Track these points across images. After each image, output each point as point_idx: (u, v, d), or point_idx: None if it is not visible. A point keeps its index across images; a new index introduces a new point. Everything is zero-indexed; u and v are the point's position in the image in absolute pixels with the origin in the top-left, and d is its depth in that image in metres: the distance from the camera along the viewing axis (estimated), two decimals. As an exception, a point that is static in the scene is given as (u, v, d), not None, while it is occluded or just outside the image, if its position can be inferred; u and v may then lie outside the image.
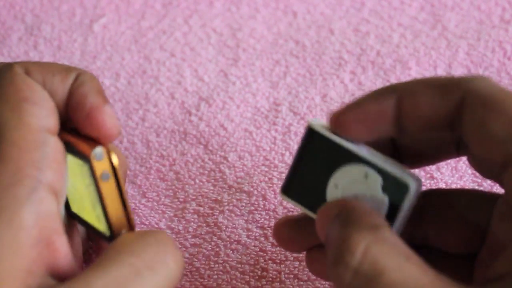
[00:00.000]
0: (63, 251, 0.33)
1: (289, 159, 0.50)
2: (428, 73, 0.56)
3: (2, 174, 0.32)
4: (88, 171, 0.37)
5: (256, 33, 0.61)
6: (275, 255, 0.44)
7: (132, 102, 0.55)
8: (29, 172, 0.33)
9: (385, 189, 0.34)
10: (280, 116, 0.54)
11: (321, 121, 0.36)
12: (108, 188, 0.37)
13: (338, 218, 0.32)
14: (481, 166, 0.35)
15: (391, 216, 0.34)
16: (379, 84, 0.56)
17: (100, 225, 0.38)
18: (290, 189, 0.37)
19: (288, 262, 0.44)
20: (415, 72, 0.56)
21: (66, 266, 0.33)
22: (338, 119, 0.35)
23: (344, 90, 0.55)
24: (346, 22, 0.61)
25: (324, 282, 0.42)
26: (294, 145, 0.51)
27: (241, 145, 0.52)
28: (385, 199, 0.34)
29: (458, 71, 0.56)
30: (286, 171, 0.44)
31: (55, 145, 0.35)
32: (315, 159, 0.36)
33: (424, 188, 0.37)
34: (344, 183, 0.35)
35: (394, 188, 0.34)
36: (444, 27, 0.60)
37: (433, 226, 0.37)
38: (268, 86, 0.56)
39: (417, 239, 0.37)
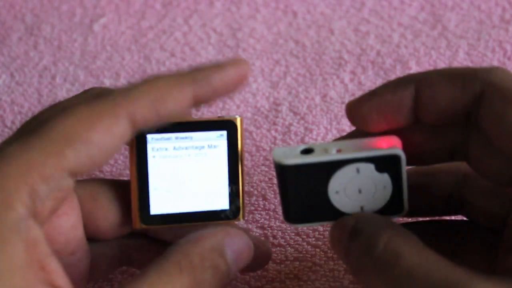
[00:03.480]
0: (59, 273, 0.33)
1: (289, 159, 0.50)
2: (428, 73, 0.56)
3: None
4: (226, 145, 0.38)
5: (256, 33, 0.61)
6: (275, 255, 0.44)
7: (132, 102, 0.55)
8: (21, 199, 0.32)
9: (379, 169, 0.35)
10: (280, 116, 0.54)
11: (282, 148, 0.36)
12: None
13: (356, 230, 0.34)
14: (489, 168, 0.35)
15: (396, 186, 0.35)
16: (379, 84, 0.55)
17: (218, 204, 0.39)
18: (292, 216, 0.37)
19: (288, 262, 0.44)
20: (415, 72, 0.56)
21: (65, 286, 0.33)
22: (354, 110, 0.35)
23: (344, 90, 0.55)
24: (346, 22, 0.61)
25: (324, 282, 0.42)
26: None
27: (241, 145, 0.52)
28: (385, 176, 0.35)
29: (458, 71, 0.56)
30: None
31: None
32: (303, 183, 0.36)
33: None
34: (342, 186, 0.36)
35: (386, 165, 0.35)
36: (444, 27, 0.60)
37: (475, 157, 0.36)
38: (268, 86, 0.56)
39: (456, 200, 0.38)
